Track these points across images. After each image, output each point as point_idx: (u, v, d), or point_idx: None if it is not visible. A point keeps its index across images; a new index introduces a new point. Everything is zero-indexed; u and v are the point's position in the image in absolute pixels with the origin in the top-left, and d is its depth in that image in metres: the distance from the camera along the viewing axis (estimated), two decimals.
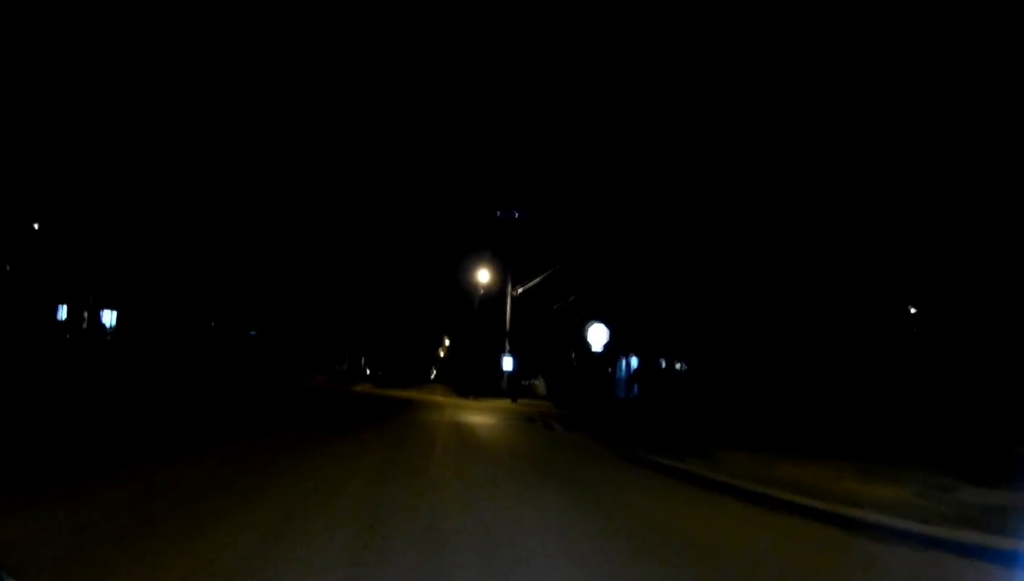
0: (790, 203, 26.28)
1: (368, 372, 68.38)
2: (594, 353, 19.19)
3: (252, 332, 39.78)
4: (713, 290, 30.82)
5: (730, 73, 27.57)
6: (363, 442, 10.27)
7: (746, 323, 29.18)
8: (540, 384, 41.76)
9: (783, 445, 11.16)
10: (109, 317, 40.24)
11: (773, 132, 26.16)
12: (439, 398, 31.30)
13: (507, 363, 34.68)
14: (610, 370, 40.89)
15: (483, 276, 35.87)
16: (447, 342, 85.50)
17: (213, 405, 16.00)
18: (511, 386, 34.07)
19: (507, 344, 34.43)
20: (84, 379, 18.59)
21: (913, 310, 23.96)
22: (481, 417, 18.03)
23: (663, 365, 39.86)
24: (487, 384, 38.24)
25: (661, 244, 33.01)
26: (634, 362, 41.30)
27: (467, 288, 43.53)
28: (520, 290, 34.47)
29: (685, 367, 39.01)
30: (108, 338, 38.19)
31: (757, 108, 26.95)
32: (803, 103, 25.30)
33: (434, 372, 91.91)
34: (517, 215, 36.34)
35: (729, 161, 28.67)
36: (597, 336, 18.70)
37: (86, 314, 39.25)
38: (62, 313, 38.34)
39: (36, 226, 31.58)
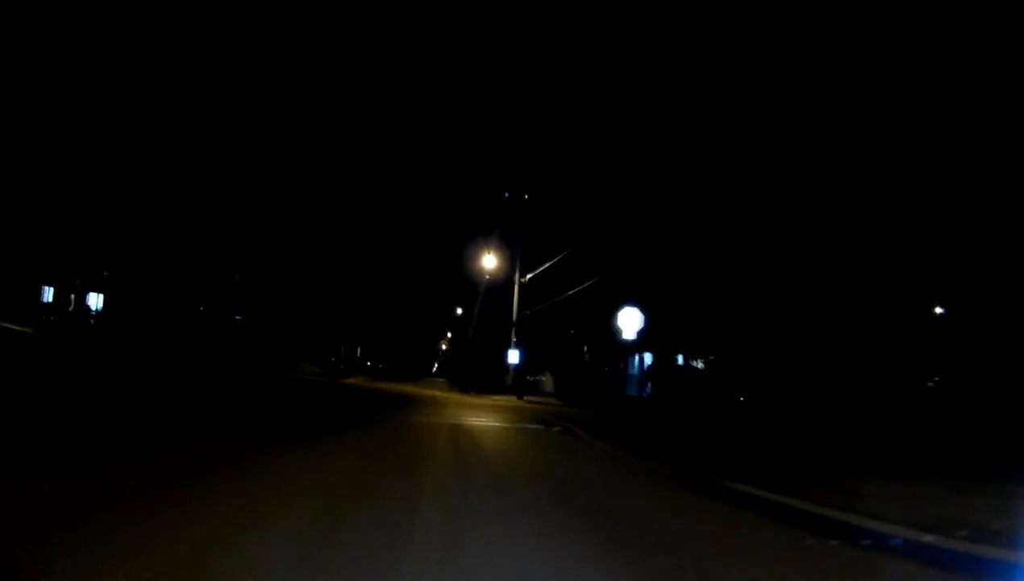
0: (832, 184, 23.86)
1: (368, 364, 65.73)
2: (624, 341, 16.19)
3: (237, 317, 37.10)
4: (741, 281, 28.23)
5: (764, 71, 25.72)
6: (323, 456, 7.47)
7: (779, 317, 26.56)
8: (547, 380, 39.06)
9: (897, 462, 8.47)
10: (96, 300, 38.82)
11: (816, 126, 24.19)
12: (438, 394, 28.61)
13: (513, 357, 31.91)
14: (620, 366, 38.27)
15: (489, 261, 33.04)
16: (449, 335, 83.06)
17: (169, 396, 13.35)
18: (517, 382, 31.33)
19: (513, 336, 31.68)
20: (48, 363, 16.23)
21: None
22: (486, 419, 15.32)
23: (680, 362, 37.26)
24: (491, 379, 35.77)
25: (684, 228, 30.41)
26: (647, 358, 38.74)
27: (471, 277, 41.02)
28: (529, 277, 31.67)
29: (703, 365, 36.42)
30: (92, 321, 36.68)
31: (791, 109, 25.10)
32: (837, 105, 23.43)
33: (436, 366, 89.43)
34: (527, 197, 33.52)
35: (763, 152, 26.43)
36: (630, 321, 15.72)
37: (73, 297, 38.19)
38: (48, 295, 37.42)
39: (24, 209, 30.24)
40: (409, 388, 31.29)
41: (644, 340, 35.48)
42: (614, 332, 16.81)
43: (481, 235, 35.15)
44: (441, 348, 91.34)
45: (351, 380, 33.50)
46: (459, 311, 62.57)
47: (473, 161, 47.13)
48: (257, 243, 38.60)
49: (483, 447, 9.47)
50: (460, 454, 8.34)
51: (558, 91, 38.68)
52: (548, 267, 30.79)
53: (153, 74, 31.04)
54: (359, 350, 61.92)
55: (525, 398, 28.05)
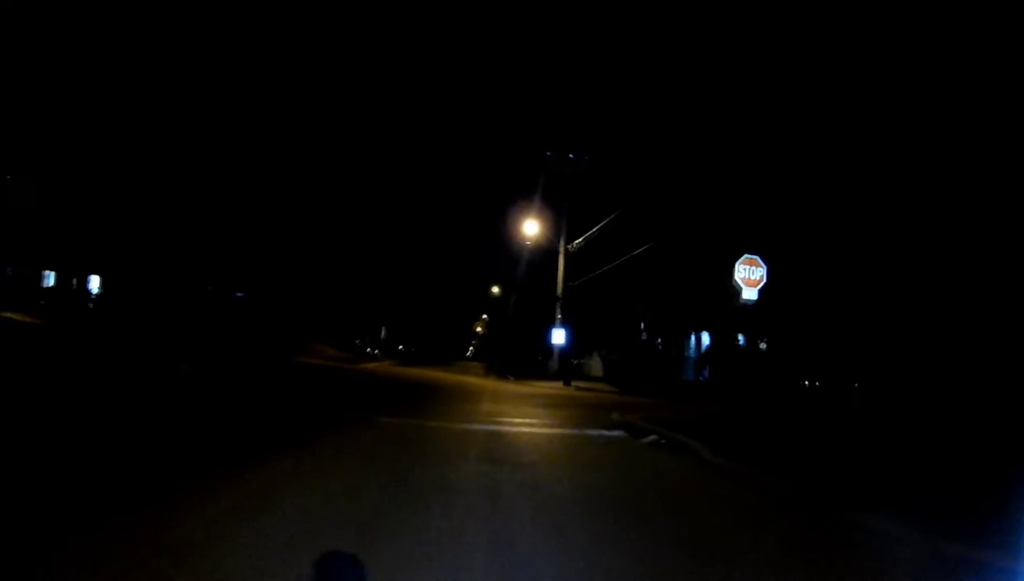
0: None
1: (400, 347, 61.90)
2: (745, 302, 11.53)
3: (238, 294, 33.20)
4: (816, 248, 23.62)
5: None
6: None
7: (857, 289, 22.00)
8: (595, 363, 34.50)
9: None
10: (96, 282, 36.81)
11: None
12: (472, 380, 24.29)
13: (558, 336, 27.48)
14: (661, 348, 33.93)
15: (530, 228, 28.50)
16: (485, 317, 79.23)
17: (109, 393, 9.37)
18: (563, 366, 26.82)
19: (559, 312, 27.21)
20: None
21: None
22: (538, 419, 10.92)
23: (742, 342, 32.81)
24: (531, 363, 31.59)
25: (752, 187, 25.80)
26: (705, 339, 34.32)
27: (510, 253, 36.91)
28: (577, 242, 27.09)
29: (765, 346, 32.05)
30: (90, 304, 34.20)
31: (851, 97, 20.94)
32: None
33: (471, 349, 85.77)
34: (572, 156, 28.80)
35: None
36: (750, 275, 11.05)
37: (75, 280, 36.49)
38: (50, 280, 35.87)
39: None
40: (440, 373, 26.97)
41: (703, 317, 31.12)
42: (731, 294, 12.14)
43: (521, 201, 30.71)
44: (476, 330, 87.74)
45: (372, 365, 29.28)
46: (496, 290, 58.86)
47: (511, 121, 42.94)
48: (274, 217, 35.06)
49: (552, 494, 4.97)
50: (510, 534, 3.85)
51: (598, 41, 34.34)
52: (600, 229, 26.19)
53: (154, 55, 29.71)
54: (385, 332, 57.82)
55: (573, 384, 23.64)
